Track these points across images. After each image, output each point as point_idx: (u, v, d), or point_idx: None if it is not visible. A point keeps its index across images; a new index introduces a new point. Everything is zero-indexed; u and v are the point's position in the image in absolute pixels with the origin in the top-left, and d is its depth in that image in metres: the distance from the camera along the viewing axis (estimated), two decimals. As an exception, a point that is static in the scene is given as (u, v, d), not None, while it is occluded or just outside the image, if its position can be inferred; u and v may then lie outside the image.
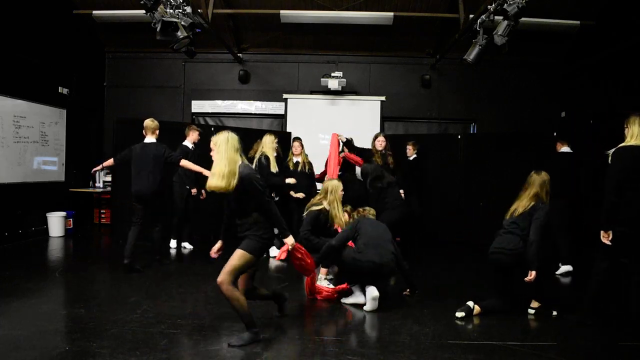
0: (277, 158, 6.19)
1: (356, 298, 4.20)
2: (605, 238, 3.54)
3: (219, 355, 3.00)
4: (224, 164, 3.12)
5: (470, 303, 3.94)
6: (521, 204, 3.97)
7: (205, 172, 5.34)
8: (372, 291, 3.98)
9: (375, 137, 6.38)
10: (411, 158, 6.91)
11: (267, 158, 5.92)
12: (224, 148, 3.17)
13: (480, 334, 3.46)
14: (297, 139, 6.67)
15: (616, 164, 3.51)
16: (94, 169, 5.72)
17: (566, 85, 8.53)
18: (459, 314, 3.87)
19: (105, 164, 5.53)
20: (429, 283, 5.04)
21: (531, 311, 3.99)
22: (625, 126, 3.62)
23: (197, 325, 3.52)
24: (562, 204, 5.34)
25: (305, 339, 3.38)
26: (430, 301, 4.30)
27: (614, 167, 3.51)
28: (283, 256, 3.79)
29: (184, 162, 5.15)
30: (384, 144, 6.27)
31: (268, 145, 6.03)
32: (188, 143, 6.21)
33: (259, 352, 3.06)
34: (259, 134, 6.49)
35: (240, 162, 3.17)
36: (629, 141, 3.55)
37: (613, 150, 3.63)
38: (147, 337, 3.22)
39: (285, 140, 8.01)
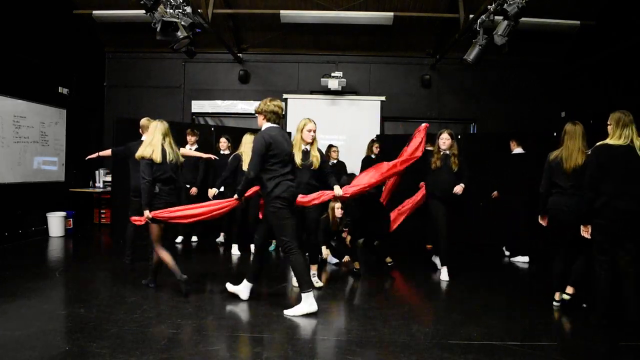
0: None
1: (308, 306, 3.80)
2: (586, 232, 3.69)
3: (219, 355, 3.00)
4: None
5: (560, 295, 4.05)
6: (578, 159, 3.86)
7: (204, 155, 5.90)
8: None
9: (439, 134, 5.25)
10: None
11: (236, 157, 6.00)
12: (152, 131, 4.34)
13: (480, 334, 3.45)
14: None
15: (593, 160, 3.64)
16: (89, 156, 5.64)
17: (566, 85, 8.53)
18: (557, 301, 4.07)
19: (102, 153, 5.61)
20: (429, 283, 5.04)
21: (566, 297, 4.05)
22: (608, 123, 3.71)
23: (197, 325, 3.52)
24: (520, 201, 6.07)
25: (305, 339, 3.39)
26: (430, 301, 4.30)
27: (591, 164, 3.65)
28: (137, 223, 4.46)
29: (184, 150, 5.36)
30: (448, 142, 5.16)
31: (246, 145, 6.05)
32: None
33: (259, 352, 3.06)
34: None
35: (159, 143, 4.25)
36: (608, 140, 3.65)
37: (592, 148, 3.73)
38: (147, 337, 3.22)
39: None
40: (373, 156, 7.41)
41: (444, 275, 5.09)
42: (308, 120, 4.61)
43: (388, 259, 5.65)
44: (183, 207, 4.29)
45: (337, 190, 4.52)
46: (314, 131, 4.57)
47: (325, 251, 5.77)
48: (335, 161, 7.24)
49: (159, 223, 4.24)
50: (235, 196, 4.06)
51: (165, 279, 4.70)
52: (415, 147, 5.18)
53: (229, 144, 6.54)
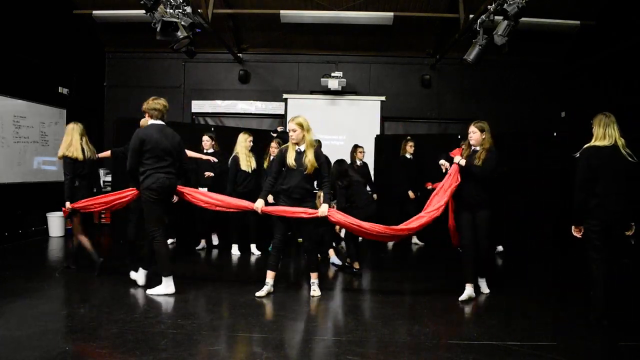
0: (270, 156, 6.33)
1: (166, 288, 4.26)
2: (577, 232, 3.76)
3: (219, 355, 3.00)
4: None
5: None
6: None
7: (204, 157, 5.99)
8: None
9: (468, 128, 4.54)
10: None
11: (234, 159, 6.01)
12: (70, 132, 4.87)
13: (480, 334, 3.45)
14: (274, 136, 6.58)
15: (582, 163, 3.69)
16: None
17: (566, 85, 8.53)
18: None
19: (101, 154, 5.56)
20: (429, 283, 5.04)
21: None
22: (591, 125, 3.78)
23: (197, 325, 3.52)
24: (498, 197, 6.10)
25: (305, 339, 3.39)
26: (430, 301, 4.30)
27: (580, 166, 3.69)
28: (64, 214, 4.94)
29: (188, 152, 5.31)
30: (475, 136, 4.45)
31: (240, 144, 6.07)
32: None
33: (258, 352, 3.06)
34: (259, 134, 6.47)
35: (78, 143, 4.83)
36: (594, 142, 3.71)
37: (580, 150, 3.78)
38: (147, 337, 3.22)
39: (284, 140, 8.01)
40: (408, 156, 7.01)
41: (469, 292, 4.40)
42: (291, 118, 4.44)
43: (356, 265, 5.29)
44: (95, 198, 4.84)
45: (322, 210, 4.25)
46: (293, 131, 4.29)
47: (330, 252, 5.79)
48: (360, 162, 6.96)
49: (78, 214, 4.88)
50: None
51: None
52: (451, 178, 4.43)
53: (213, 142, 6.41)
